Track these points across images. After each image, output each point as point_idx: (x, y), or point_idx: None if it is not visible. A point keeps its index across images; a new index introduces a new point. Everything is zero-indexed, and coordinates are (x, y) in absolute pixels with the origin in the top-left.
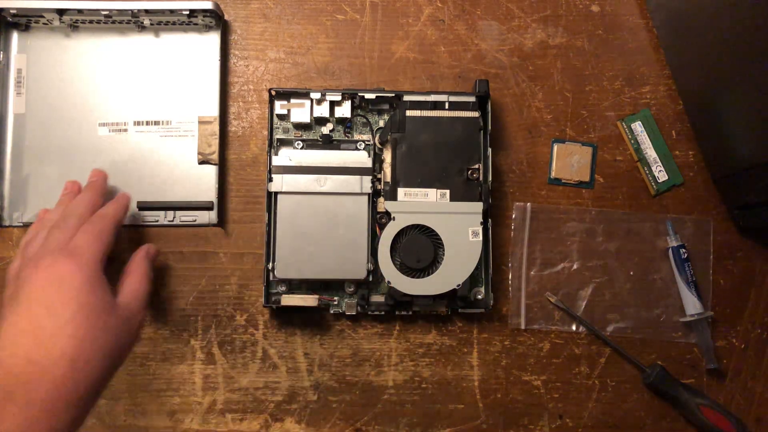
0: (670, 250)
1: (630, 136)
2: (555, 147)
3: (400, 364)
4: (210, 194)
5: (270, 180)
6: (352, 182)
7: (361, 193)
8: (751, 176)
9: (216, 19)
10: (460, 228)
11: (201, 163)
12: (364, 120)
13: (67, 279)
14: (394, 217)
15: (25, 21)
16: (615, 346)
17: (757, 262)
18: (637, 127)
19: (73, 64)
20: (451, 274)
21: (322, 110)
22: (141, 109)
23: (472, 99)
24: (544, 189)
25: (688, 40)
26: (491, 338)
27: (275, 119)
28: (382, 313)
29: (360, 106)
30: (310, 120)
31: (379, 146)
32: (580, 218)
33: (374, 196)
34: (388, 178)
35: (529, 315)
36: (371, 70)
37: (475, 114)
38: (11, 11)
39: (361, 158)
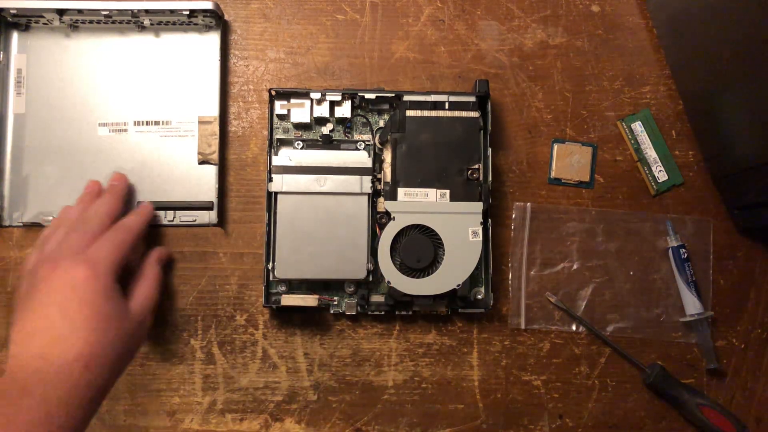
0: (670, 250)
1: (630, 136)
2: (555, 147)
3: (400, 364)
4: (210, 194)
5: (270, 180)
6: (352, 182)
7: (361, 193)
8: (751, 176)
9: (216, 19)
10: (460, 228)
11: (201, 163)
12: (364, 120)
13: (83, 285)
14: (394, 217)
15: (25, 21)
16: (615, 346)
17: (757, 262)
18: (637, 127)
19: (73, 64)
20: (451, 274)
21: (322, 110)
22: (141, 109)
23: (472, 99)
24: (544, 189)
25: (688, 40)
26: (491, 338)
27: (275, 119)
28: (382, 313)
29: (360, 106)
30: (310, 120)
31: (379, 146)
32: (580, 218)
33: (374, 196)
34: (388, 178)
35: (529, 315)
36: (371, 70)
37: (475, 114)
38: (11, 11)
39: (361, 158)
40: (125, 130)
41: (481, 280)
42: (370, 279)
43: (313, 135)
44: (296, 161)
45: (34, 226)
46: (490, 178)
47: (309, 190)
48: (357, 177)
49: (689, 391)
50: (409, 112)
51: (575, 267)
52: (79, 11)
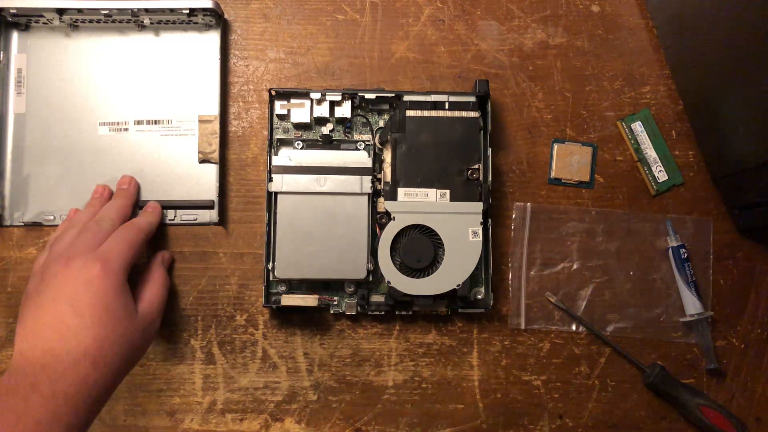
0: (670, 250)
1: (630, 136)
2: (555, 147)
3: (400, 364)
4: (211, 193)
5: (270, 180)
6: (352, 182)
7: (361, 193)
8: (751, 176)
9: (216, 18)
10: (460, 228)
11: (201, 162)
12: (364, 120)
13: (95, 282)
14: (394, 217)
15: (25, 21)
16: (615, 346)
17: (757, 262)
18: (637, 127)
19: (73, 63)
20: (451, 274)
21: (322, 110)
22: (141, 109)
23: (472, 99)
24: (544, 189)
25: (688, 40)
26: (491, 338)
27: (275, 119)
28: (382, 313)
29: (360, 106)
30: (310, 120)
31: (379, 146)
32: (580, 218)
33: (374, 196)
34: (388, 178)
35: (529, 315)
36: (371, 70)
37: (475, 114)
38: (11, 11)
39: (361, 158)
40: (126, 130)
41: (481, 280)
42: (370, 279)
43: (313, 135)
44: (296, 161)
45: (35, 226)
46: (490, 178)
47: (309, 190)
48: (357, 177)
49: (689, 391)
50: (409, 112)
51: (575, 267)
52: (79, 11)
